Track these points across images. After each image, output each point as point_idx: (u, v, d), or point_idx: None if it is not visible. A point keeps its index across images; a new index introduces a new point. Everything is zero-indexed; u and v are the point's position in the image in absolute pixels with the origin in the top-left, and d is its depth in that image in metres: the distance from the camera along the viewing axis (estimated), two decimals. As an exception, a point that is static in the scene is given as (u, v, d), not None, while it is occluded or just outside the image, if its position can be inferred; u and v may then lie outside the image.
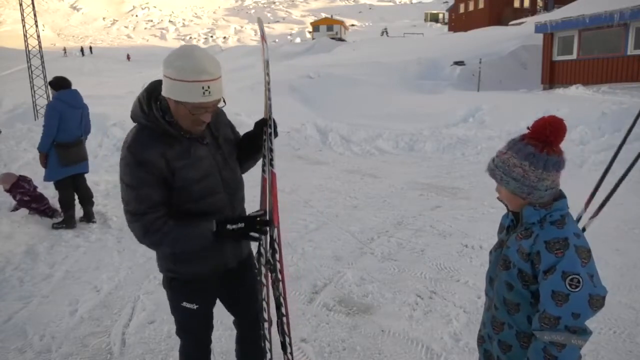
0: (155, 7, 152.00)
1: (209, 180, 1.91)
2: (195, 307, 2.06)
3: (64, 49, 61.34)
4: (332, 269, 4.19)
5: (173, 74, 1.71)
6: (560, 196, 1.56)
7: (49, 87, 5.75)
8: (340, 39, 50.14)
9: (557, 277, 1.42)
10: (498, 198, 1.65)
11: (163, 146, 1.81)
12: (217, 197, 1.94)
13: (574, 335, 1.42)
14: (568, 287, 1.40)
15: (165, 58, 1.77)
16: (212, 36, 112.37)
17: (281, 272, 1.95)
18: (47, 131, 5.23)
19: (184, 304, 2.04)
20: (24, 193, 5.57)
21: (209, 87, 1.71)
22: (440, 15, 75.03)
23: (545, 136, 1.48)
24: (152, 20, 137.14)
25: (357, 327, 3.28)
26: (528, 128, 1.54)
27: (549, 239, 1.47)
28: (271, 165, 1.87)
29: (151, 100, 1.83)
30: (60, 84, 5.39)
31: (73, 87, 5.53)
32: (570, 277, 1.40)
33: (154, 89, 1.86)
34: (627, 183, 7.25)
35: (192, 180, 1.86)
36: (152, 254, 4.83)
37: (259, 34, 1.95)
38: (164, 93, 1.78)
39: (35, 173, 6.27)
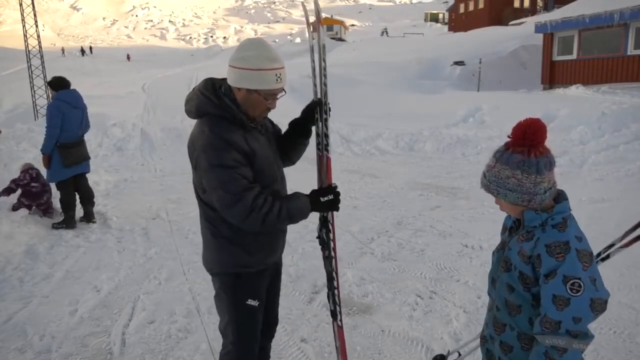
0: (155, 7, 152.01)
1: (272, 168, 2.01)
2: (257, 303, 2.06)
3: (62, 49, 61.12)
4: (332, 269, 4.19)
5: (248, 65, 1.84)
6: (562, 198, 1.54)
7: (48, 87, 5.73)
8: (340, 39, 50.07)
9: (558, 281, 1.41)
10: (501, 209, 1.64)
11: (240, 130, 1.90)
12: (275, 186, 2.02)
13: (575, 339, 1.41)
14: (569, 291, 1.39)
15: (235, 52, 1.89)
16: (212, 36, 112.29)
17: (334, 250, 2.12)
18: (51, 132, 5.21)
19: (249, 301, 2.02)
20: (14, 181, 5.60)
21: (280, 75, 1.87)
22: (440, 15, 74.97)
23: (528, 140, 1.46)
24: (152, 20, 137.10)
25: (357, 327, 3.28)
26: (509, 136, 1.52)
27: (550, 242, 1.46)
28: (327, 150, 2.03)
29: (218, 92, 1.91)
30: (59, 84, 5.38)
31: (72, 87, 5.53)
32: (572, 281, 1.39)
33: (214, 83, 1.95)
34: (626, 182, 7.26)
35: (266, 163, 1.96)
36: (151, 254, 4.86)
37: (310, 18, 2.09)
38: (235, 84, 1.88)
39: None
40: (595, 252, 2.19)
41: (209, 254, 2.06)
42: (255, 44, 1.88)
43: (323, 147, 2.04)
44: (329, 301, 2.19)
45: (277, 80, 1.86)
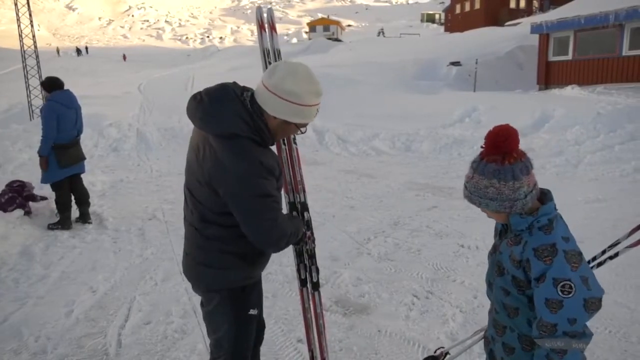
0: (151, 7, 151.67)
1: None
2: (256, 312, 2.06)
3: (57, 49, 60.81)
4: (329, 269, 4.19)
5: (300, 100, 1.75)
6: (547, 199, 1.54)
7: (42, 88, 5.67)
8: (337, 40, 50.09)
9: (549, 284, 1.41)
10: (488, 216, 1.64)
11: (269, 151, 1.88)
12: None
13: (574, 339, 1.41)
14: (560, 293, 1.39)
15: (284, 80, 1.73)
16: (208, 36, 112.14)
17: (312, 232, 2.20)
18: (48, 134, 5.16)
19: (251, 311, 2.03)
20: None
21: (318, 109, 1.85)
22: (437, 16, 75.25)
23: (500, 148, 1.47)
24: (148, 20, 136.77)
25: (353, 327, 3.28)
26: (482, 147, 1.52)
27: (537, 245, 1.46)
28: (295, 143, 2.20)
29: (250, 111, 1.79)
30: (52, 85, 5.33)
31: (67, 87, 5.50)
32: (562, 283, 1.39)
33: (234, 97, 1.80)
34: (622, 182, 7.29)
35: (282, 184, 1.96)
36: (147, 254, 4.84)
37: (266, 24, 2.14)
38: (277, 114, 1.78)
39: (32, 174, 6.26)
40: (593, 254, 2.21)
41: (212, 272, 1.96)
42: (305, 77, 1.77)
43: (292, 141, 2.19)
44: (299, 272, 2.25)
45: (315, 114, 1.84)
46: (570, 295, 1.39)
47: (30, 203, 5.64)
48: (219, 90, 1.82)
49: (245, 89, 1.88)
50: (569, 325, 1.40)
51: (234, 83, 1.89)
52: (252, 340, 2.11)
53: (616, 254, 2.14)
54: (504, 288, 1.60)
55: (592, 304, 1.41)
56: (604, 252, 2.17)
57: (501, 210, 1.50)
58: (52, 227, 5.38)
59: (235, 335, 2.04)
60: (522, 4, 39.75)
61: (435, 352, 2.43)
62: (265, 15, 2.17)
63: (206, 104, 1.79)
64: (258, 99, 1.79)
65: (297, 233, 2.00)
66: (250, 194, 1.75)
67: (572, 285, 1.39)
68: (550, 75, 15.62)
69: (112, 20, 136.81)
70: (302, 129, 1.89)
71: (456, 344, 2.52)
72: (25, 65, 16.76)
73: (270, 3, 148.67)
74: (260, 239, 1.85)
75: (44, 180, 5.42)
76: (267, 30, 2.17)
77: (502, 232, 1.67)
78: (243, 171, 1.73)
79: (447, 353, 2.37)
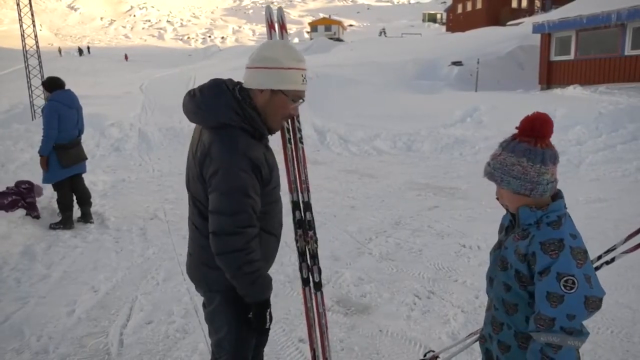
0: (153, 7, 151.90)
1: (279, 182, 1.99)
2: None
3: (59, 49, 60.97)
4: (330, 269, 4.19)
5: (275, 64, 1.74)
6: (558, 197, 1.55)
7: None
8: (338, 39, 50.05)
9: (552, 278, 1.41)
10: (500, 202, 1.64)
11: (261, 145, 1.82)
12: (279, 201, 2.01)
13: (570, 336, 1.41)
14: (563, 288, 1.39)
15: (258, 53, 1.78)
16: (210, 36, 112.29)
17: (314, 232, 2.17)
18: (49, 134, 5.18)
19: (250, 315, 1.99)
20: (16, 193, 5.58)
21: (304, 76, 1.81)
22: (438, 16, 75.25)
23: (536, 131, 1.48)
24: (150, 20, 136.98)
25: (355, 327, 3.28)
26: (516, 128, 1.54)
27: (544, 240, 1.46)
28: (301, 142, 2.17)
29: (239, 100, 1.78)
30: (54, 85, 5.35)
31: (68, 87, 5.51)
32: (565, 278, 1.39)
33: (227, 87, 1.80)
34: (623, 182, 7.28)
35: (278, 177, 1.94)
36: (149, 254, 4.85)
37: (275, 23, 2.15)
38: (259, 85, 1.77)
39: (33, 174, 6.27)
40: (594, 253, 2.20)
41: (212, 272, 1.91)
42: (280, 44, 1.82)
43: (298, 140, 2.15)
44: (302, 271, 2.21)
45: (303, 81, 1.79)
46: (572, 291, 1.39)
47: (38, 207, 5.64)
48: (211, 85, 1.83)
49: (238, 83, 1.89)
50: (567, 321, 1.40)
51: (229, 79, 1.90)
52: (253, 341, 2.11)
53: (612, 259, 2.14)
54: (505, 283, 1.60)
55: (593, 303, 1.40)
56: (599, 257, 2.16)
57: (521, 191, 1.50)
58: (54, 226, 5.39)
59: (236, 337, 2.03)
60: (524, 3, 39.74)
61: (425, 355, 2.44)
62: (274, 15, 2.18)
63: (199, 98, 1.81)
64: (244, 83, 1.82)
65: (263, 280, 1.86)
66: (228, 184, 1.69)
67: (575, 281, 1.39)
68: (552, 75, 15.59)
69: (114, 20, 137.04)
70: (298, 101, 1.84)
71: (446, 348, 2.52)
72: (27, 65, 16.81)
73: (273, 3, 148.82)
74: (218, 238, 1.73)
75: (45, 180, 5.44)
76: (277, 29, 2.17)
77: (508, 227, 1.67)
78: (225, 158, 1.71)
79: (437, 357, 2.37)
